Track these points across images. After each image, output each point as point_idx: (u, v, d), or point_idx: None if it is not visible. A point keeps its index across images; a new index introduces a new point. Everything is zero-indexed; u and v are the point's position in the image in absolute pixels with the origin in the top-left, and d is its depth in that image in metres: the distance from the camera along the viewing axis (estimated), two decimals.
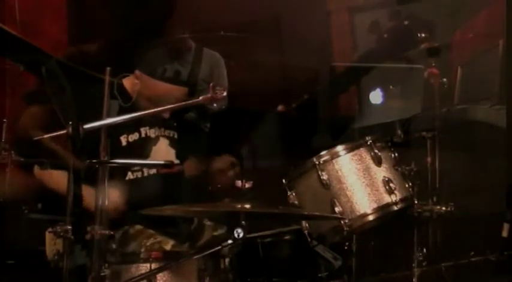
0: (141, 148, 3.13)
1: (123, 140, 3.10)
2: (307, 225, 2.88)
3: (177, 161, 3.21)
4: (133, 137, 3.12)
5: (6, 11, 3.77)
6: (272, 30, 4.52)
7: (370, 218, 2.82)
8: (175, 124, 3.26)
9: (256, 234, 2.95)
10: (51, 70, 2.65)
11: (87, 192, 2.44)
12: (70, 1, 4.39)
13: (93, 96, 2.66)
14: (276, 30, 4.62)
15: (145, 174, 3.11)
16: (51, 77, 2.63)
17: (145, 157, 3.14)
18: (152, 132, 3.18)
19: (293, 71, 4.42)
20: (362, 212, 2.81)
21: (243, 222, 2.30)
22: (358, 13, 5.04)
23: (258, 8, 4.29)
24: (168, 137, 3.24)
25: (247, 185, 2.58)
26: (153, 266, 2.57)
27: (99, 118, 2.42)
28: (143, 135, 3.15)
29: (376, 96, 3.69)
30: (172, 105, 2.70)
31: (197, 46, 3.83)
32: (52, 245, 2.54)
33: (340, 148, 2.90)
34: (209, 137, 3.57)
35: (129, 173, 3.10)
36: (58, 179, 2.93)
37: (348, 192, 2.83)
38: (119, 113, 2.89)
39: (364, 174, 2.86)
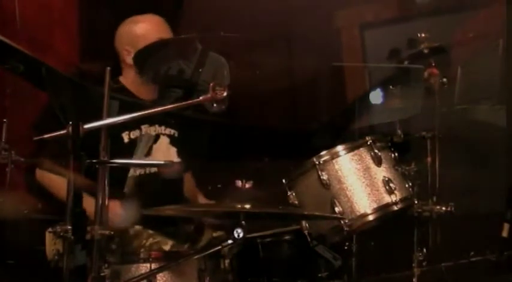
0: (139, 146, 3.15)
1: (125, 137, 3.12)
2: (307, 225, 2.88)
3: (177, 160, 3.23)
4: (135, 133, 3.15)
5: (6, 19, 3.78)
6: (282, 46, 4.53)
7: (370, 218, 2.82)
8: (174, 121, 3.27)
9: (256, 234, 2.95)
10: (51, 71, 2.65)
11: (88, 202, 2.44)
12: (82, 18, 4.39)
13: (92, 98, 2.67)
14: (286, 46, 4.63)
15: (147, 171, 3.13)
16: (51, 77, 2.63)
17: (146, 155, 3.16)
18: (152, 130, 3.21)
19: (302, 86, 4.45)
20: (362, 212, 2.81)
21: (243, 222, 2.30)
22: (368, 29, 5.04)
23: (269, 24, 4.29)
24: (168, 136, 3.26)
25: (247, 185, 2.57)
26: (153, 266, 2.57)
27: (100, 118, 2.42)
28: (143, 132, 3.17)
29: (376, 96, 3.69)
30: (172, 105, 2.70)
31: (203, 48, 3.86)
32: (52, 245, 2.53)
33: (340, 148, 2.90)
34: (210, 138, 3.58)
35: (132, 170, 3.11)
36: (58, 184, 2.92)
37: (348, 192, 2.83)
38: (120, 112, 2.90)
39: (364, 174, 2.86)
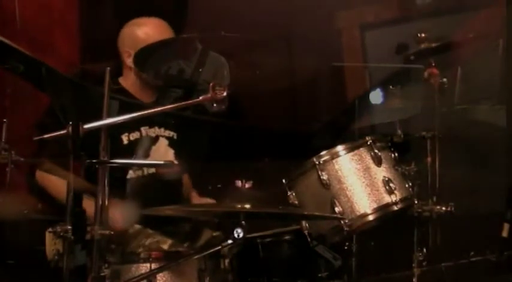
0: (139, 147, 3.16)
1: (125, 138, 3.13)
2: (307, 225, 2.88)
3: (176, 162, 3.23)
4: (135, 135, 3.16)
5: (6, 19, 3.77)
6: (282, 46, 4.53)
7: (370, 218, 2.82)
8: (173, 123, 3.28)
9: (256, 234, 2.95)
10: (51, 71, 2.65)
11: (88, 205, 2.45)
12: (82, 19, 4.39)
13: (92, 98, 2.67)
14: (287, 47, 4.63)
15: (145, 173, 3.14)
16: (51, 78, 2.63)
17: (145, 156, 3.17)
18: (152, 132, 3.21)
19: (302, 86, 4.45)
20: (362, 212, 2.81)
21: (243, 222, 2.30)
22: (369, 30, 5.04)
23: (269, 24, 4.29)
24: (167, 137, 3.26)
25: (247, 185, 2.57)
26: (153, 266, 2.58)
27: (99, 118, 2.42)
28: (144, 134, 3.18)
29: (376, 96, 3.69)
30: (172, 105, 2.71)
31: (203, 48, 3.87)
32: (52, 245, 2.53)
33: (340, 148, 2.90)
34: (210, 138, 3.58)
35: (131, 172, 3.12)
36: (58, 186, 2.92)
37: (348, 192, 2.83)
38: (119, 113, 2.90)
39: (364, 174, 2.86)
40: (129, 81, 3.28)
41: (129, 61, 3.23)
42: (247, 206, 2.34)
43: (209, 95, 2.43)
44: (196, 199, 3.41)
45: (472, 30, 3.98)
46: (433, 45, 3.10)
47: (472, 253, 3.66)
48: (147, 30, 3.23)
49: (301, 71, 4.19)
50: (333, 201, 2.81)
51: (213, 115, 2.63)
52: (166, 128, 3.28)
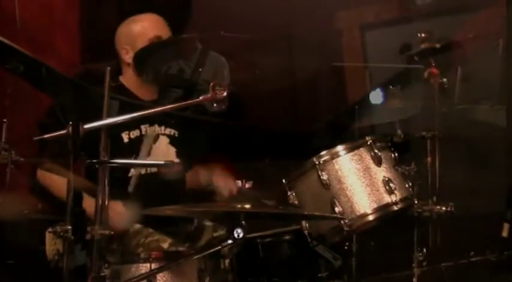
0: (142, 145, 3.16)
1: (125, 136, 3.13)
2: (307, 225, 2.88)
3: (177, 160, 3.23)
4: (135, 133, 3.15)
5: (7, 19, 3.78)
6: (282, 46, 4.54)
7: (370, 218, 2.82)
8: (174, 121, 3.27)
9: (256, 234, 2.95)
10: (51, 71, 2.65)
11: (88, 203, 2.45)
12: (82, 19, 4.40)
13: (92, 98, 2.68)
14: (287, 47, 4.63)
15: (148, 171, 3.14)
16: (51, 78, 2.63)
17: (146, 155, 3.17)
18: (152, 130, 3.21)
19: (303, 86, 4.46)
20: (362, 212, 2.81)
21: (243, 222, 2.30)
22: (369, 30, 5.05)
23: (269, 24, 4.30)
24: (168, 136, 3.26)
25: (247, 185, 2.58)
26: (153, 266, 2.57)
27: (100, 118, 2.42)
28: (143, 132, 3.18)
29: (376, 96, 3.69)
30: (172, 105, 2.71)
31: (203, 48, 3.88)
32: (52, 245, 2.54)
33: (340, 148, 2.90)
34: (210, 138, 3.58)
35: (132, 170, 3.12)
36: (59, 184, 2.92)
37: (348, 192, 2.83)
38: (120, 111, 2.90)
39: (364, 174, 2.86)
40: (129, 79, 3.27)
41: (127, 57, 3.23)
42: (247, 206, 2.34)
43: (209, 95, 2.43)
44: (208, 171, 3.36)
45: (472, 30, 3.98)
46: (437, 45, 3.10)
47: (472, 253, 3.67)
48: (141, 24, 3.24)
49: (301, 71, 4.20)
50: (333, 201, 2.81)
51: (213, 115, 2.63)
52: (166, 126, 3.27)
